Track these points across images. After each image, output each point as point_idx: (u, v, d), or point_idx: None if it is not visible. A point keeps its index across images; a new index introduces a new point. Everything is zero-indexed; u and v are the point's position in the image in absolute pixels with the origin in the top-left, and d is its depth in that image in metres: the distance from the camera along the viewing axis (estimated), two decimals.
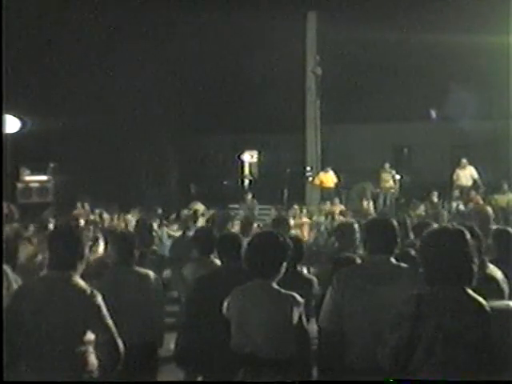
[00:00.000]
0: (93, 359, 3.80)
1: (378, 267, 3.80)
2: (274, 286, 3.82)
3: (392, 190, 18.17)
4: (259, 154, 25.49)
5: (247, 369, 3.71)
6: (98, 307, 3.76)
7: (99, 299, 3.77)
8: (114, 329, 3.79)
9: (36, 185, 20.64)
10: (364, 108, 21.24)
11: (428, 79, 20.49)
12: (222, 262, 4.91)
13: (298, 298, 3.78)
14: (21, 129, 19.41)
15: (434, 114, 24.02)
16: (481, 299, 3.10)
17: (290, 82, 19.59)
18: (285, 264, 3.88)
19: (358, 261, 4.55)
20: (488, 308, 3.08)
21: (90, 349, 3.80)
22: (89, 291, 3.78)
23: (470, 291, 3.11)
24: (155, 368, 4.84)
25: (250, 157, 25.39)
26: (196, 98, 21.70)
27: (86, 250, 3.94)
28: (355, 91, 21.07)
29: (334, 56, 19.08)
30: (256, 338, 3.74)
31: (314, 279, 4.81)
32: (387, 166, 18.28)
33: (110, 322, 3.79)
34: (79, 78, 20.12)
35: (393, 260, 3.85)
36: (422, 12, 18.98)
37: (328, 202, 16.11)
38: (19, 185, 20.23)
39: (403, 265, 3.86)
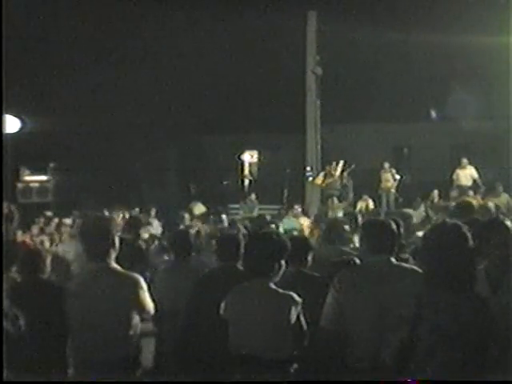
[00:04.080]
0: (138, 337, 4.06)
1: (378, 267, 3.80)
2: (272, 285, 3.84)
3: (392, 190, 18.16)
4: (259, 154, 25.47)
5: (245, 369, 3.72)
6: (142, 288, 4.02)
7: (141, 281, 4.04)
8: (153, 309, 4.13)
9: (36, 185, 20.65)
10: (364, 108, 21.23)
11: (428, 79, 20.49)
12: (221, 261, 4.91)
13: (296, 297, 3.78)
14: (21, 129, 19.40)
15: (434, 114, 24.02)
16: (480, 301, 3.08)
17: (290, 82, 19.56)
18: (283, 263, 3.89)
19: (357, 262, 4.53)
20: (488, 309, 3.06)
21: (138, 330, 4.05)
22: (129, 275, 4.05)
23: (469, 294, 3.09)
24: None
25: (250, 157, 25.37)
26: (196, 97, 21.68)
27: (116, 238, 4.11)
28: (355, 91, 21.06)
29: (334, 56, 19.06)
30: (253, 338, 3.75)
31: (319, 278, 4.79)
32: (387, 165, 18.26)
33: (151, 302, 4.10)
34: (79, 78, 20.12)
35: (393, 260, 3.85)
36: (422, 12, 18.98)
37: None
38: (19, 185, 20.23)
39: (404, 264, 3.85)
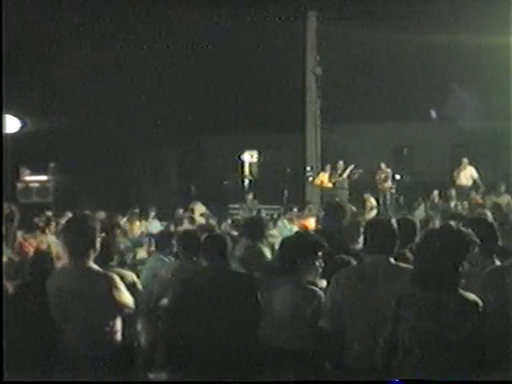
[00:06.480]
0: (118, 335, 4.08)
1: (377, 267, 3.80)
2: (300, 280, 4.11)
3: (392, 190, 18.13)
4: (259, 154, 25.45)
5: (273, 360, 3.88)
6: (117, 286, 4.02)
7: (117, 279, 4.04)
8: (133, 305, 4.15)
9: (36, 185, 20.60)
10: (364, 108, 21.22)
11: (428, 79, 20.47)
12: (207, 261, 4.90)
13: (319, 292, 4.06)
14: (21, 129, 19.40)
15: (434, 114, 24.01)
16: (470, 299, 3.07)
17: (290, 82, 19.56)
18: (318, 261, 4.16)
19: (353, 262, 4.54)
20: (479, 307, 3.06)
21: (117, 327, 4.06)
22: (104, 274, 4.05)
23: (460, 291, 3.08)
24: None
25: (249, 157, 25.33)
26: (196, 97, 21.68)
27: (97, 238, 4.08)
28: (355, 91, 21.05)
29: (334, 56, 19.07)
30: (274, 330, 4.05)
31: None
32: (383, 165, 18.23)
33: (129, 299, 4.10)
34: (79, 78, 20.12)
35: (392, 260, 3.85)
36: (422, 12, 18.96)
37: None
38: (19, 185, 20.19)
39: (402, 265, 3.85)
